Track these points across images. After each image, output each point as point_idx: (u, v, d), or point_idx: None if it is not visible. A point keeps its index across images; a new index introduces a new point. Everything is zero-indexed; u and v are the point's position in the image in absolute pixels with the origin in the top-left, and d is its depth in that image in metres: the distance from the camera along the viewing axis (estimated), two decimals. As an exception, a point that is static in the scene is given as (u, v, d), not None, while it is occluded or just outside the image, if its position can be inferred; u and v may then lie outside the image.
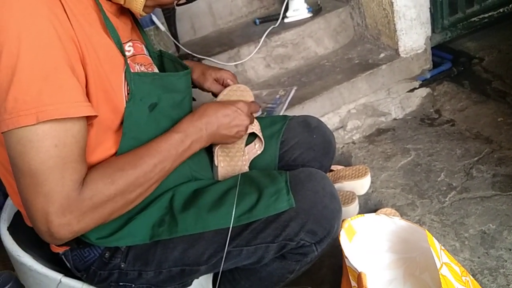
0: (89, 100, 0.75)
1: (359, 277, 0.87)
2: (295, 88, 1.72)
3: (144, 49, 0.99)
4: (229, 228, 0.88)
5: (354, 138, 1.86)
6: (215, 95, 1.16)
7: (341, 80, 1.82)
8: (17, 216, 0.99)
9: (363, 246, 1.04)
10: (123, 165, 0.79)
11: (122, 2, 0.85)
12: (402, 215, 1.41)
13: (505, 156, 1.52)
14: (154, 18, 1.74)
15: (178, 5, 1.01)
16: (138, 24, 1.03)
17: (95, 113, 0.74)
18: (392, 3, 1.77)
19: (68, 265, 0.92)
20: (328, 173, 1.55)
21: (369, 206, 1.51)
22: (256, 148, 1.14)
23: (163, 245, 0.90)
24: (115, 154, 0.84)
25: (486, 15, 2.02)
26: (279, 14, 2.06)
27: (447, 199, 1.43)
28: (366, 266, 1.04)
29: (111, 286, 0.92)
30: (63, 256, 0.91)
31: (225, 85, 1.15)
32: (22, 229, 0.92)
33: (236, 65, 1.93)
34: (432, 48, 1.95)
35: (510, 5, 2.03)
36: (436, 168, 1.57)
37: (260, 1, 2.27)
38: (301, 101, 1.73)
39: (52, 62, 0.68)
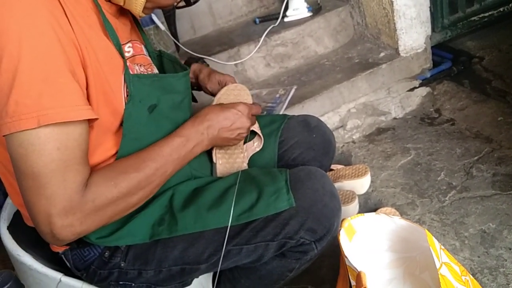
0: (90, 103, 0.75)
1: (358, 276, 0.87)
2: (295, 87, 1.72)
3: (144, 49, 0.99)
4: (229, 227, 0.88)
5: (354, 137, 1.86)
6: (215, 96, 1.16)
7: (341, 79, 1.82)
8: (17, 216, 0.99)
9: (363, 246, 1.04)
10: (125, 168, 0.80)
11: (121, 3, 0.85)
12: (402, 214, 1.41)
13: (505, 156, 1.52)
14: (154, 18, 1.73)
15: (177, 7, 1.01)
16: (137, 24, 1.03)
17: (96, 116, 0.74)
18: (392, 2, 1.77)
19: (68, 264, 0.92)
20: (328, 173, 1.55)
21: (369, 205, 1.51)
22: (255, 145, 1.14)
23: (163, 244, 0.90)
24: (115, 155, 0.84)
25: (486, 14, 2.02)
26: (279, 13, 2.06)
27: (447, 198, 1.43)
28: (366, 266, 1.04)
29: (111, 285, 0.92)
30: (63, 256, 0.91)
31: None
32: (22, 229, 0.92)
33: (236, 64, 1.93)
34: (432, 47, 1.95)
35: (510, 4, 2.03)
36: (436, 168, 1.57)
37: (260, 0, 2.27)
38: (301, 100, 1.73)
39: (52, 65, 0.68)
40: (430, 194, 1.47)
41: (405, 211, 1.43)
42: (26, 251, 0.92)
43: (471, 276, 0.97)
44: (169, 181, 0.91)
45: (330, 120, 1.81)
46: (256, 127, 1.11)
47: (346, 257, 0.93)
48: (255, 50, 1.93)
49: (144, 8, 0.87)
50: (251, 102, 1.17)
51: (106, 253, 0.90)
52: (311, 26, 2.02)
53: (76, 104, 0.70)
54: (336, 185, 1.51)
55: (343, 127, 1.85)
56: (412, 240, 1.03)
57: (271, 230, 0.90)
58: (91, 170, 0.77)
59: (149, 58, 1.00)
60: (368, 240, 1.05)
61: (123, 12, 0.91)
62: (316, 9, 2.07)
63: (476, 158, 1.55)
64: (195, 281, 1.00)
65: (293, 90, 1.70)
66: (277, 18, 2.06)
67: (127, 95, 0.83)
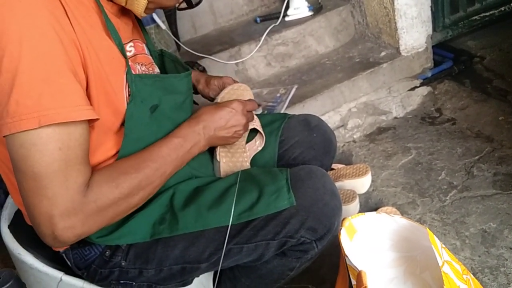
0: (90, 103, 0.75)
1: (359, 275, 0.86)
2: (295, 86, 1.72)
3: (145, 48, 0.99)
4: (229, 226, 0.89)
5: (354, 136, 1.86)
6: None
7: (342, 78, 1.82)
8: (18, 214, 0.99)
9: (363, 245, 1.04)
10: (126, 168, 0.80)
11: (123, 4, 0.85)
12: (403, 213, 1.41)
13: (506, 155, 1.52)
14: (155, 17, 1.73)
15: (179, 9, 1.01)
16: (139, 22, 1.03)
17: (97, 116, 0.74)
18: (393, 1, 1.77)
19: (68, 263, 0.92)
20: (328, 172, 1.55)
21: (369, 204, 1.51)
22: (257, 144, 1.15)
23: (164, 243, 0.90)
24: (116, 154, 0.84)
25: (487, 13, 2.02)
26: (280, 12, 2.06)
27: (447, 198, 1.43)
28: (367, 265, 1.04)
29: (112, 284, 0.92)
30: (63, 255, 0.91)
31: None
32: (23, 227, 0.92)
33: (237, 64, 1.93)
34: (433, 46, 1.95)
35: (511, 4, 2.02)
36: (437, 167, 1.56)
37: (261, -1, 2.27)
38: (302, 100, 1.73)
39: (53, 65, 0.68)
40: (431, 193, 1.47)
41: (406, 210, 1.43)
42: (27, 250, 0.92)
43: (472, 276, 0.97)
44: (169, 180, 0.91)
45: (331, 119, 1.81)
46: (257, 125, 1.11)
47: (346, 256, 0.93)
48: (256, 49, 1.93)
49: (146, 8, 0.87)
50: None
51: (107, 252, 0.90)
52: (312, 25, 2.02)
53: (77, 104, 0.70)
54: (337, 184, 1.51)
55: (344, 126, 1.85)
56: (413, 239, 1.03)
57: (272, 229, 0.90)
58: (92, 170, 0.77)
59: (150, 57, 1.00)
60: (369, 239, 1.05)
61: (124, 11, 0.91)
62: (317, 8, 2.07)
63: (477, 157, 1.55)
64: (196, 280, 1.00)
65: (293, 90, 1.70)
66: (278, 17, 2.06)
67: (129, 95, 0.83)
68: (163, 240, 0.90)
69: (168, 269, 0.91)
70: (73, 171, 0.70)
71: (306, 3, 2.05)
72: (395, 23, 1.82)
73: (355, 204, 1.42)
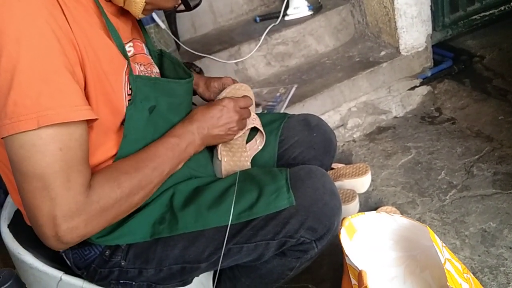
0: (89, 103, 0.75)
1: (359, 275, 0.86)
2: (295, 86, 1.72)
3: (145, 48, 0.99)
4: (229, 225, 0.88)
5: (354, 136, 1.86)
6: None
7: (341, 78, 1.82)
8: (18, 214, 0.99)
9: (363, 244, 1.04)
10: (126, 168, 0.80)
11: (121, 4, 0.85)
12: (403, 213, 1.41)
13: (505, 154, 1.52)
14: (155, 16, 1.73)
15: (177, 11, 1.01)
16: (139, 22, 1.03)
17: (95, 116, 0.73)
18: (393, 1, 1.77)
19: (68, 263, 0.92)
20: (328, 171, 1.55)
21: (369, 204, 1.51)
22: (257, 143, 1.15)
23: (164, 242, 0.90)
24: (116, 155, 0.84)
25: (487, 13, 2.02)
26: (280, 11, 2.06)
27: (447, 197, 1.43)
28: (367, 264, 1.04)
29: (112, 284, 0.92)
30: (63, 254, 0.91)
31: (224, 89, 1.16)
32: (22, 227, 0.92)
33: (236, 63, 1.93)
34: (433, 46, 1.95)
35: (511, 3, 2.02)
36: (436, 166, 1.56)
37: (260, -2, 2.27)
38: (302, 99, 1.73)
39: (51, 65, 0.68)
40: (430, 193, 1.47)
41: (406, 210, 1.43)
42: (27, 250, 0.92)
43: (472, 275, 0.97)
44: (169, 181, 0.91)
45: (331, 118, 1.81)
46: (258, 124, 1.12)
47: (346, 255, 0.93)
48: (255, 49, 1.93)
49: (144, 9, 0.87)
50: (253, 103, 1.17)
51: (107, 252, 0.90)
52: (312, 24, 2.02)
53: (75, 104, 0.69)
54: (337, 184, 1.51)
55: (343, 126, 1.85)
56: (413, 238, 1.03)
57: (272, 229, 0.90)
58: (92, 170, 0.77)
59: (149, 57, 1.00)
60: (369, 238, 1.05)
61: (123, 11, 0.91)
62: (316, 8, 2.07)
63: (476, 157, 1.55)
64: (196, 279, 1.00)
65: (293, 89, 1.70)
66: (277, 17, 2.06)
67: (128, 95, 0.83)
68: (162, 239, 0.90)
69: (168, 268, 0.91)
70: (74, 171, 0.70)
71: (306, 3, 2.05)
72: (395, 22, 1.82)
73: (355, 204, 1.42)
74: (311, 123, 1.22)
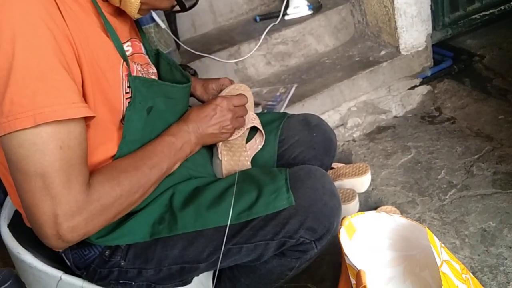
0: (86, 101, 0.75)
1: (358, 274, 0.87)
2: (295, 85, 1.72)
3: (142, 47, 0.99)
4: (228, 225, 0.88)
5: (354, 135, 1.86)
6: None
7: (341, 77, 1.82)
8: (18, 214, 0.99)
9: (363, 244, 1.04)
10: (125, 167, 0.80)
11: (117, 4, 0.85)
12: (403, 212, 1.41)
13: (505, 154, 1.52)
14: (155, 15, 1.73)
15: (172, 12, 1.01)
16: (136, 21, 1.03)
17: (93, 113, 0.73)
18: (393, 0, 1.77)
19: (68, 263, 0.92)
20: (328, 171, 1.55)
21: (369, 203, 1.51)
22: (257, 143, 1.15)
23: (163, 243, 0.90)
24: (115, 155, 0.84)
25: (487, 12, 2.02)
26: (280, 11, 2.06)
27: (447, 197, 1.43)
28: (366, 264, 1.04)
29: (111, 284, 0.92)
30: (63, 254, 0.91)
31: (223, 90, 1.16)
32: (22, 227, 0.92)
33: (236, 63, 1.92)
34: (432, 45, 1.95)
35: (511, 3, 2.02)
36: (436, 166, 1.56)
37: (260, -2, 2.27)
38: (302, 99, 1.73)
39: (47, 63, 0.67)
40: (430, 192, 1.47)
41: (406, 209, 1.43)
42: (27, 249, 0.92)
43: (471, 275, 0.97)
44: (168, 181, 0.92)
45: (331, 118, 1.81)
46: (257, 123, 1.12)
47: (346, 255, 0.93)
48: (255, 48, 1.93)
49: (140, 9, 0.87)
50: (252, 103, 1.17)
51: (107, 252, 0.90)
52: (312, 24, 2.02)
53: (72, 102, 0.69)
54: (336, 183, 1.51)
55: (343, 125, 1.85)
56: (413, 238, 1.03)
57: (271, 229, 0.90)
58: (92, 170, 0.77)
59: (146, 56, 1.00)
60: (368, 238, 1.05)
61: (121, 10, 0.91)
62: (316, 7, 2.06)
63: (476, 156, 1.55)
64: (195, 279, 1.01)
65: (293, 89, 1.70)
66: (277, 16, 2.06)
67: (126, 93, 0.83)
68: (162, 240, 0.90)
69: (167, 269, 0.91)
70: (74, 170, 0.70)
71: (305, 2, 2.05)
72: (395, 22, 1.82)
73: (355, 203, 1.42)
74: (311, 123, 1.22)
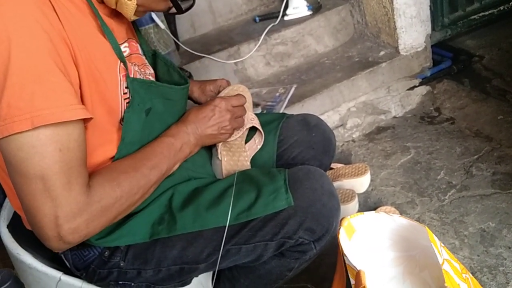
0: (84, 102, 0.75)
1: (357, 275, 0.86)
2: (295, 86, 1.73)
3: (139, 48, 0.99)
4: (227, 226, 0.88)
5: (354, 136, 1.86)
6: None
7: (341, 78, 1.82)
8: (17, 215, 0.99)
9: (362, 244, 1.04)
10: (125, 168, 0.81)
11: (113, 6, 0.85)
12: (402, 213, 1.41)
13: (505, 154, 1.52)
14: (154, 16, 1.73)
15: (170, 14, 1.01)
16: (133, 22, 1.02)
17: (90, 115, 0.73)
18: (392, 0, 1.77)
19: (67, 264, 0.92)
20: (327, 171, 1.55)
21: (368, 204, 1.51)
22: (256, 143, 1.15)
23: (162, 243, 0.90)
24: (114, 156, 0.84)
25: (486, 13, 2.02)
26: (279, 11, 2.06)
27: (446, 197, 1.43)
28: (366, 264, 1.04)
29: (111, 285, 0.92)
30: (62, 255, 0.91)
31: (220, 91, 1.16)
32: (22, 227, 0.92)
33: (236, 63, 1.93)
34: (432, 46, 1.95)
35: (510, 3, 2.03)
36: (435, 166, 1.57)
37: (260, -2, 2.27)
38: (301, 99, 1.73)
39: (43, 65, 0.67)
40: (429, 193, 1.47)
41: (405, 210, 1.43)
42: (26, 250, 0.92)
43: (471, 275, 0.97)
44: (167, 182, 0.92)
45: (330, 118, 1.81)
46: (256, 123, 1.12)
47: (345, 255, 0.93)
48: (255, 49, 1.93)
49: (136, 11, 0.87)
50: (251, 103, 1.17)
51: (106, 253, 0.90)
52: (311, 24, 2.02)
53: (70, 104, 0.69)
54: (336, 184, 1.51)
55: (343, 125, 1.85)
56: (412, 238, 1.03)
57: (270, 230, 0.90)
58: (91, 171, 0.77)
59: (143, 57, 1.00)
60: (368, 238, 1.05)
61: (118, 11, 0.91)
62: (316, 8, 2.07)
63: (476, 157, 1.55)
64: (195, 280, 1.00)
65: (293, 89, 1.71)
66: (277, 17, 2.06)
67: (124, 93, 0.83)
68: (161, 240, 0.90)
69: (167, 269, 0.91)
70: (74, 172, 0.70)
71: (305, 3, 2.05)
72: (394, 22, 1.82)
73: (354, 204, 1.42)
74: (310, 123, 1.22)
